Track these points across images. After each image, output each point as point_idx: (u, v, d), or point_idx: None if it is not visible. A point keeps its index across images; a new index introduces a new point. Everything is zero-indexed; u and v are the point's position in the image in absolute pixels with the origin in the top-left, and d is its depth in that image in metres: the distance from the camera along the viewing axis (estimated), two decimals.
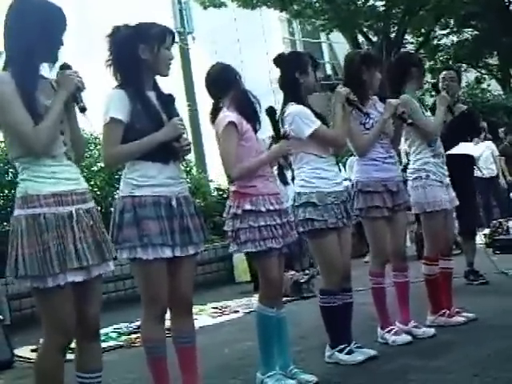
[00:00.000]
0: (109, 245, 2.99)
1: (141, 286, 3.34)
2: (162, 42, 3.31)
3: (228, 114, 3.73)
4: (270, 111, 3.89)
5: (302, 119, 4.06)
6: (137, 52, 3.29)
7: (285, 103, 4.19)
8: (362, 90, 4.46)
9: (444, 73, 6.03)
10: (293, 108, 4.10)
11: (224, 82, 3.83)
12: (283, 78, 4.22)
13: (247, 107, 3.81)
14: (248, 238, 3.67)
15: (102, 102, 3.31)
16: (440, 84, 5.87)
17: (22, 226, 2.77)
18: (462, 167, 5.90)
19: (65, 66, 2.98)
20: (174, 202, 3.28)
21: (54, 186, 2.84)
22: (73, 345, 3.00)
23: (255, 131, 3.83)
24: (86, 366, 2.99)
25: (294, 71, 4.13)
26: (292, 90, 4.17)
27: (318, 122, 4.09)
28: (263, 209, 3.69)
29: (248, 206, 3.68)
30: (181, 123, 3.33)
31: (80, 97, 2.96)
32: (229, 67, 3.91)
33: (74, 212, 2.86)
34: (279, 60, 4.25)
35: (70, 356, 3.01)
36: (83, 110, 2.98)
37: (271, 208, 3.72)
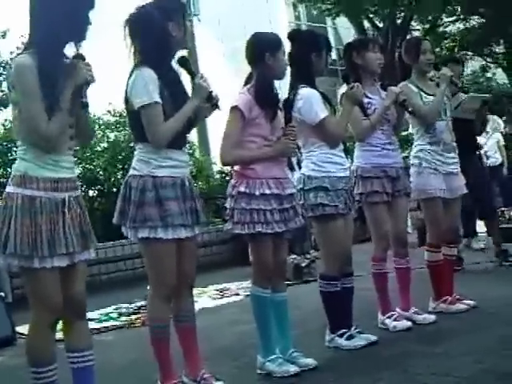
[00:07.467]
0: (91, 233, 3.02)
1: (152, 265, 3.35)
2: (184, 15, 3.37)
3: (239, 97, 3.70)
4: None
5: (313, 104, 4.00)
6: (168, 30, 3.30)
7: (294, 82, 4.11)
8: (356, 74, 4.48)
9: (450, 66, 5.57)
10: (305, 91, 4.02)
11: (255, 54, 3.76)
12: (297, 55, 4.08)
13: (264, 94, 3.71)
14: (239, 220, 3.67)
15: (121, 82, 3.32)
16: None
17: (17, 205, 2.78)
18: (468, 154, 5.90)
19: (78, 56, 2.91)
20: (186, 183, 3.36)
21: (54, 173, 2.86)
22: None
23: (271, 118, 3.72)
24: (75, 345, 3.01)
25: (310, 51, 4.05)
26: (304, 69, 4.07)
27: (326, 112, 4.04)
28: (257, 192, 3.65)
29: (242, 189, 3.67)
30: (205, 82, 3.35)
31: (85, 91, 2.91)
32: (270, 37, 3.78)
33: (66, 199, 2.89)
34: (295, 35, 4.19)
35: (61, 336, 3.05)
36: (85, 105, 2.94)
37: (267, 192, 3.66)
